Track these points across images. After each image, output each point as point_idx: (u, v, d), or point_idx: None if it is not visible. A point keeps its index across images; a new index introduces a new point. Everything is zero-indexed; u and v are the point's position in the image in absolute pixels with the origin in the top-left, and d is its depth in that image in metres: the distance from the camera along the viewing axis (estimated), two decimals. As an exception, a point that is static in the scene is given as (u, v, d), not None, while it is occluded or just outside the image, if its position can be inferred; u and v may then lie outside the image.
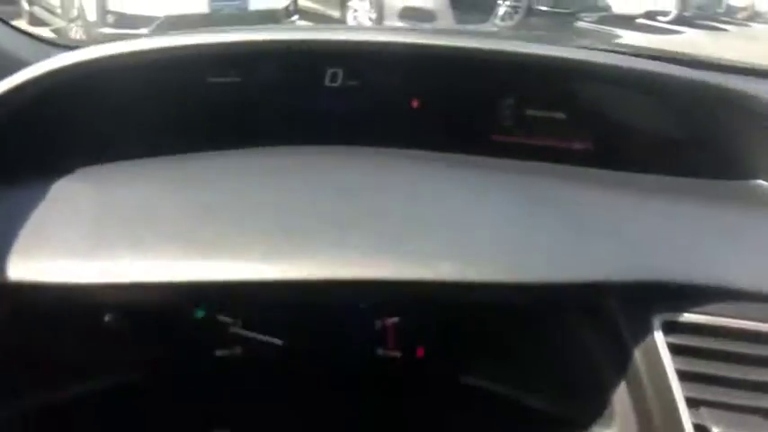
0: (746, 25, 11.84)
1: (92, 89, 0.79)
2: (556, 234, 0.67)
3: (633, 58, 0.88)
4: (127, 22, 4.41)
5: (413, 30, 0.89)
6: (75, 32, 4.71)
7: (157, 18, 4.47)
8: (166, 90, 0.86)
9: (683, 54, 1.13)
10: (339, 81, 0.93)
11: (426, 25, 5.61)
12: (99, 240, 0.62)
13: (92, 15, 4.49)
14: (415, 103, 0.95)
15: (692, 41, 8.17)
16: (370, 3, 5.75)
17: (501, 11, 6.64)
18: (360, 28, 0.95)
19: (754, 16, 12.58)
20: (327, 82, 0.93)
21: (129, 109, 0.83)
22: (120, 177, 0.75)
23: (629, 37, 7.82)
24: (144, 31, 4.40)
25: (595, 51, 0.86)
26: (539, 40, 0.92)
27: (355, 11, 5.91)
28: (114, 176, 0.75)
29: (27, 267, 0.60)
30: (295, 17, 5.20)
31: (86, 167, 0.76)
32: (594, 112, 0.93)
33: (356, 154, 0.84)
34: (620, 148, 0.90)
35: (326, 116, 0.95)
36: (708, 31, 9.85)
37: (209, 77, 0.90)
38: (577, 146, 0.94)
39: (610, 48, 1.18)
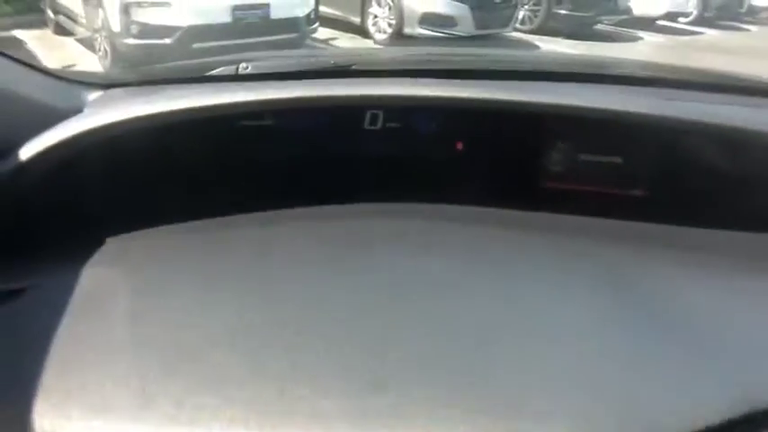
0: (768, 25, 11.65)
1: (113, 152, 0.73)
2: (671, 367, 0.52)
3: (698, 105, 0.80)
4: (150, 32, 4.45)
5: (457, 83, 0.79)
6: (100, 42, 4.77)
7: (180, 28, 4.50)
8: (195, 145, 0.80)
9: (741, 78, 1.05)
10: (379, 124, 0.89)
11: (447, 30, 5.60)
12: (143, 393, 0.47)
13: (116, 26, 4.53)
14: (459, 146, 0.91)
15: (713, 43, 8.06)
16: (390, 9, 5.75)
17: (521, 15, 6.61)
18: (402, 79, 0.86)
19: (777, 15, 12.38)
20: (367, 125, 0.89)
21: (157, 168, 0.78)
22: (158, 271, 0.65)
23: (649, 39, 7.74)
24: (167, 41, 4.45)
25: (656, 101, 0.79)
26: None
27: (375, 17, 5.91)
28: (151, 270, 0.65)
29: (53, 426, 0.46)
30: (316, 25, 5.22)
31: (116, 248, 0.68)
32: (654, 155, 0.86)
33: (402, 224, 0.75)
34: (681, 195, 0.82)
35: (366, 160, 0.91)
36: (729, 32, 9.71)
37: (243, 121, 0.87)
38: (635, 192, 0.87)
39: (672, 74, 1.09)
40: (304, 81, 0.78)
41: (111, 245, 0.68)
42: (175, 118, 0.71)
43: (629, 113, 0.75)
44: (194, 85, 0.82)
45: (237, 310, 0.56)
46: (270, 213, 0.75)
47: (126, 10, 4.43)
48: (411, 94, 0.78)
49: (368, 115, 0.89)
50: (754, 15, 11.64)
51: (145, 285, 0.62)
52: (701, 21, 9.75)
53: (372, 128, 0.89)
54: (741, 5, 11.07)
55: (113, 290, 0.61)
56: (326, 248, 0.68)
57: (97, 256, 0.65)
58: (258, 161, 0.87)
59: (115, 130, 0.69)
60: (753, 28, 10.72)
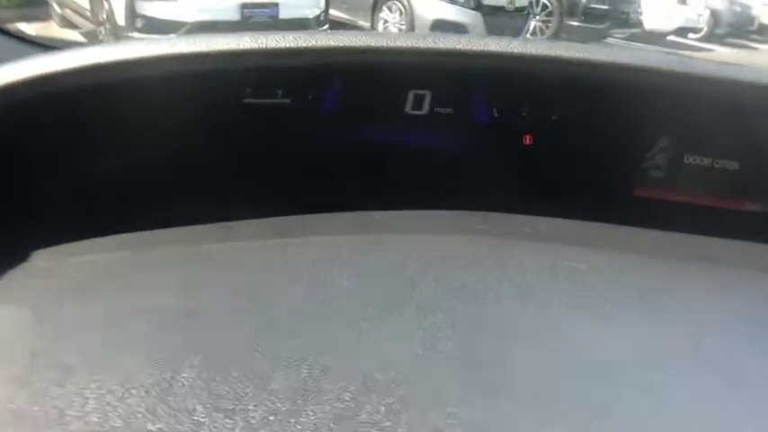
0: (778, 44, 11.68)
1: (79, 108, 0.58)
2: None
3: None
4: (156, 26, 4.41)
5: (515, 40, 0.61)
6: (104, 36, 4.70)
7: (186, 24, 4.45)
8: (184, 115, 0.62)
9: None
10: (425, 107, 0.72)
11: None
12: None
13: (121, 19, 4.48)
14: (528, 140, 0.74)
15: (722, 60, 8.01)
16: (401, 14, 5.69)
17: (532, 25, 6.55)
18: (446, 36, 0.72)
19: (786, 35, 12.43)
20: (410, 108, 0.72)
21: (132, 140, 0.62)
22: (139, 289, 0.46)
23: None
24: (172, 37, 4.38)
25: None
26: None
27: (386, 22, 5.85)
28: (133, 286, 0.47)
29: None
30: (326, 27, 5.16)
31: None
32: None
33: (450, 241, 0.58)
34: None
35: (405, 155, 0.73)
36: (739, 50, 9.70)
37: (246, 98, 0.68)
38: (751, 207, 0.71)
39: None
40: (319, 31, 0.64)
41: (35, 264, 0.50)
42: (156, 67, 0.56)
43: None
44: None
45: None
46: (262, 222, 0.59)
47: (131, 3, 4.41)
48: (477, 48, 0.60)
49: (411, 96, 0.71)
50: (763, 34, 11.65)
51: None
52: (711, 37, 9.73)
53: (417, 112, 0.72)
54: (752, 23, 11.06)
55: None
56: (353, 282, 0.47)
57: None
58: (259, 151, 0.70)
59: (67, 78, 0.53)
60: (762, 47, 10.72)
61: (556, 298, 0.45)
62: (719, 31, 10.02)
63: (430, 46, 0.60)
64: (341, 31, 0.61)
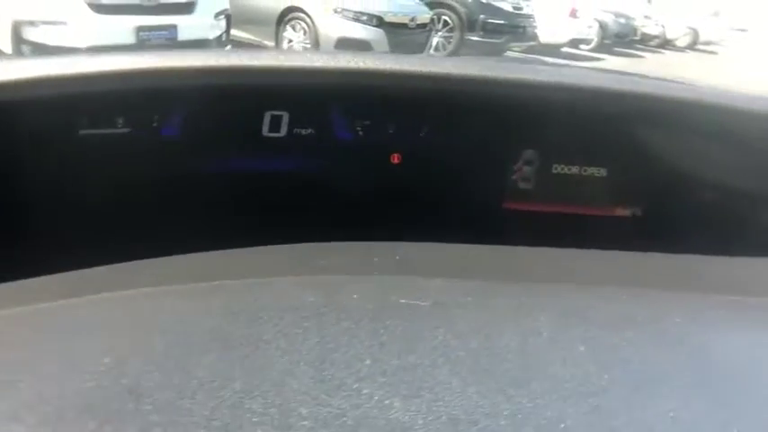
0: (659, 52, 12.67)
1: None
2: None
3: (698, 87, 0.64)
4: (45, 53, 4.15)
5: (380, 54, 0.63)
6: (-13, 64, 4.40)
7: (79, 50, 4.23)
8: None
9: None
10: (283, 129, 0.68)
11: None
12: None
13: (6, 46, 4.20)
14: (395, 159, 0.71)
15: (612, 68, 8.57)
16: (306, 33, 5.69)
17: (435, 41, 6.74)
18: (310, 52, 0.67)
19: (665, 43, 13.51)
20: (267, 131, 0.67)
21: None
22: None
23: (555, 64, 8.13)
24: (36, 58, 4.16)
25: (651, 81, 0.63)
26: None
27: (290, 41, 5.83)
28: None
29: None
30: (228, 47, 5.07)
31: None
32: (649, 163, 0.68)
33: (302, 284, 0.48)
34: (678, 211, 0.67)
35: (263, 180, 0.68)
36: (625, 58, 10.43)
37: (82, 129, 0.61)
38: (621, 212, 0.71)
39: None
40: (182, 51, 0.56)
41: None
42: None
43: (629, 93, 0.57)
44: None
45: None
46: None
47: (17, 29, 4.13)
48: (333, 66, 0.55)
49: (267, 117, 0.66)
50: (646, 43, 12.61)
51: None
52: (600, 48, 10.40)
53: (275, 135, 0.67)
54: (635, 34, 11.96)
55: None
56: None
57: None
58: (103, 184, 0.62)
59: None
60: (646, 54, 11.59)
61: (368, 355, 0.36)
62: (607, 41, 10.76)
63: (284, 65, 0.56)
64: (191, 51, 0.58)
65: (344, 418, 0.31)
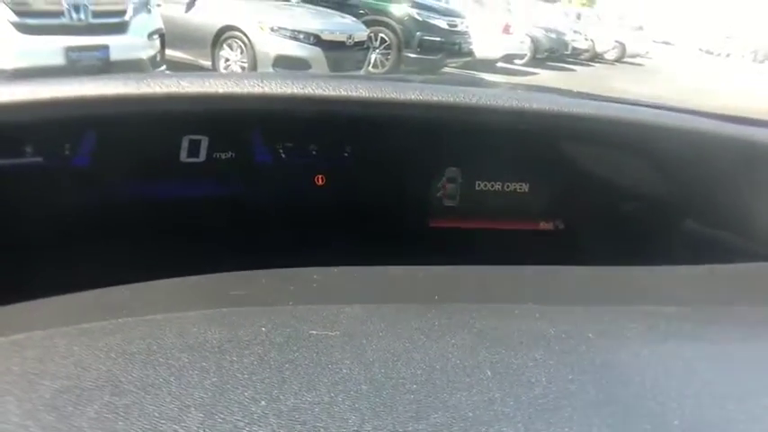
0: (589, 65, 13.23)
1: None
2: None
3: (613, 104, 0.65)
4: (-33, 75, 3.97)
5: (288, 76, 0.57)
6: None
7: (4, 71, 4.07)
8: None
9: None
10: (202, 154, 0.66)
11: (299, 74, 5.61)
12: None
13: (-77, 67, 4.00)
14: (319, 180, 0.71)
15: (544, 82, 8.90)
16: (243, 52, 5.66)
17: (373, 58, 6.83)
18: (231, 74, 0.68)
19: (594, 56, 14.12)
20: (185, 156, 0.65)
21: None
22: None
23: (491, 79, 8.37)
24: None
25: (566, 99, 0.64)
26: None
27: (227, 60, 5.78)
28: None
29: None
30: (163, 68, 4.98)
31: None
32: (569, 177, 0.69)
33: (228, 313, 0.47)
34: (598, 223, 0.68)
35: (183, 207, 0.66)
36: (558, 72, 10.83)
37: None
38: (545, 226, 0.73)
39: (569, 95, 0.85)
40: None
41: None
42: None
43: (546, 112, 0.57)
44: None
45: None
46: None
47: (-64, 50, 3.94)
48: (257, 91, 0.53)
49: (185, 142, 0.65)
50: (576, 57, 13.15)
51: None
52: (534, 62, 10.78)
53: (193, 160, 0.66)
54: (566, 48, 12.45)
55: None
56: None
57: None
58: (15, 217, 0.59)
59: None
60: (576, 68, 12.08)
61: (265, 395, 0.35)
62: (540, 56, 11.15)
63: (199, 91, 0.54)
64: (106, 76, 0.54)
65: None
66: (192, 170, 0.66)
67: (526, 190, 0.73)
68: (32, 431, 0.31)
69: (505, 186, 0.74)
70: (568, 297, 0.58)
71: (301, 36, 5.62)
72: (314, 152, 0.70)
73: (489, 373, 0.39)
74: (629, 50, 16.06)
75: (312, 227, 0.66)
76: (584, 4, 26.02)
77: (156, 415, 0.33)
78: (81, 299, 0.52)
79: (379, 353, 0.41)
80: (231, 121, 0.64)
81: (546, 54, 11.53)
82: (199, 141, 0.65)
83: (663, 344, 0.46)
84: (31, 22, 4.14)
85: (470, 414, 0.35)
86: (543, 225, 0.75)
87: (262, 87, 0.56)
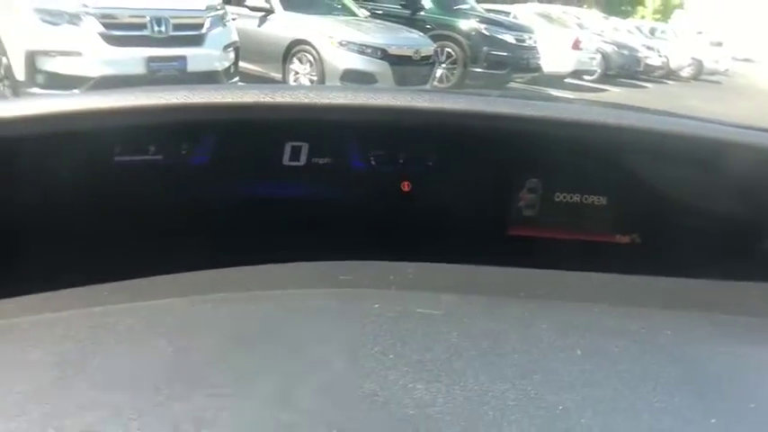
0: (663, 82, 12.75)
1: None
2: None
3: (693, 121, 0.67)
4: (58, 82, 4.24)
5: (396, 90, 0.68)
6: (2, 92, 4.51)
7: (91, 79, 4.33)
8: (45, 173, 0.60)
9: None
10: (303, 158, 0.72)
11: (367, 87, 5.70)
12: None
13: (20, 74, 4.31)
14: (406, 187, 0.75)
15: (614, 99, 8.66)
16: (312, 65, 5.80)
17: (438, 73, 6.85)
18: (328, 87, 0.77)
19: (669, 74, 13.59)
20: (287, 160, 0.72)
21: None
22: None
23: (558, 95, 8.24)
24: (76, 92, 4.26)
25: (646, 114, 0.67)
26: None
27: (296, 73, 5.94)
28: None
29: None
30: (236, 79, 5.17)
31: None
32: (647, 192, 0.71)
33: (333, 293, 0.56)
34: (675, 238, 0.70)
35: (283, 206, 0.73)
36: (629, 89, 10.51)
37: (117, 156, 0.67)
38: (621, 239, 0.75)
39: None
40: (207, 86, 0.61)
41: None
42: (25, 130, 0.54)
43: (627, 127, 0.61)
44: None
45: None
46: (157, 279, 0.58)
47: (31, 58, 4.23)
48: (346, 102, 0.61)
49: (288, 148, 0.71)
50: (649, 74, 12.71)
51: None
52: (604, 79, 10.51)
53: (294, 164, 0.72)
54: (639, 65, 12.06)
55: None
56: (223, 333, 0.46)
57: None
58: (141, 206, 0.67)
59: None
60: (649, 85, 11.69)
61: (393, 354, 0.43)
62: (610, 72, 10.86)
63: (305, 102, 0.61)
64: (216, 86, 0.61)
65: (376, 397, 0.38)
66: (292, 173, 0.73)
67: (604, 203, 0.74)
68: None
69: (584, 199, 0.75)
70: (645, 302, 0.61)
71: (369, 50, 5.72)
72: (401, 161, 0.75)
73: (579, 352, 0.45)
74: (706, 68, 15.38)
75: (398, 228, 0.71)
76: (658, 19, 25.24)
77: (308, 358, 0.42)
78: (209, 276, 0.60)
79: (482, 329, 0.48)
80: (330, 130, 0.70)
81: (617, 70, 11.23)
82: (300, 147, 0.72)
83: (735, 343, 0.51)
84: (117, 34, 4.40)
85: (565, 378, 0.41)
86: (620, 238, 0.75)
87: (359, 99, 0.63)
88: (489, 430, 0.36)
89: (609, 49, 11.03)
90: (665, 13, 29.39)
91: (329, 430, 0.36)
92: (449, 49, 7.37)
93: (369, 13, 7.08)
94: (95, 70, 4.34)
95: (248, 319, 0.49)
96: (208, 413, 0.36)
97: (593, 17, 12.10)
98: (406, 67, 5.90)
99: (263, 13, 6.09)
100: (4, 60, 4.41)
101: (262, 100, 0.60)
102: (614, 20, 13.02)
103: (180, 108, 0.58)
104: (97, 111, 0.56)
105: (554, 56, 8.69)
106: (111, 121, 0.58)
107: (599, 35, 10.95)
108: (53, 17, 4.26)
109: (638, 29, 14.89)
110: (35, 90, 4.29)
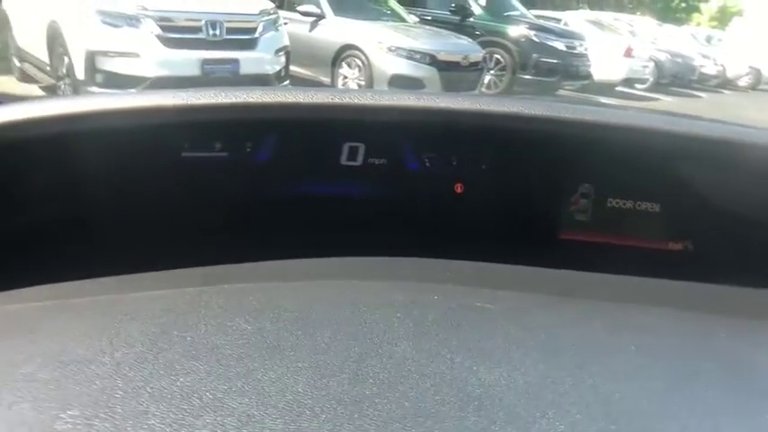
0: (719, 92, 12.33)
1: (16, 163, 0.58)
2: None
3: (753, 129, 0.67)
4: (116, 81, 4.40)
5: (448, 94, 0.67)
6: (63, 90, 4.69)
7: (147, 79, 4.46)
8: (122, 165, 0.64)
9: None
10: (359, 158, 0.74)
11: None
12: None
13: (81, 74, 4.47)
14: (459, 189, 0.77)
15: (667, 108, 8.43)
16: (360, 70, 5.84)
17: (487, 79, 6.80)
18: (382, 91, 0.78)
19: (725, 83, 13.13)
20: (345, 160, 0.74)
21: (69, 194, 0.63)
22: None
23: (609, 103, 8.05)
24: (132, 92, 4.39)
25: (702, 122, 0.67)
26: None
27: (345, 77, 5.99)
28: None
29: None
30: (286, 83, 5.25)
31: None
32: (700, 200, 0.70)
33: (390, 285, 0.58)
34: (731, 248, 0.69)
35: (342, 203, 0.75)
36: (682, 98, 10.21)
37: (184, 151, 0.70)
38: (674, 246, 0.74)
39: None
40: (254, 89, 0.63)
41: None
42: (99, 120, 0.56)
43: (681, 134, 0.61)
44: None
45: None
46: (218, 269, 0.60)
47: (92, 58, 4.39)
48: (400, 104, 0.63)
49: (345, 148, 0.74)
50: (704, 83, 12.31)
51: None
52: (656, 87, 10.24)
53: (352, 163, 0.74)
54: (693, 73, 11.70)
55: None
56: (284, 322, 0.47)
57: None
58: (198, 204, 0.70)
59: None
60: (703, 95, 11.32)
61: (456, 340, 0.46)
62: (664, 81, 10.57)
63: (363, 102, 0.63)
64: (279, 87, 0.66)
65: (443, 376, 0.41)
66: (350, 172, 0.75)
67: (657, 210, 0.74)
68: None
69: (637, 205, 0.75)
70: (697, 306, 0.62)
71: (417, 56, 5.72)
72: (455, 163, 0.76)
73: (633, 347, 0.46)
74: (764, 77, 14.81)
75: (450, 228, 0.72)
76: (715, 27, 24.45)
77: (374, 343, 0.44)
78: (281, 265, 0.63)
79: (537, 324, 0.50)
80: (386, 131, 0.71)
81: (670, 79, 10.92)
82: (357, 148, 0.74)
83: None
84: (173, 36, 4.52)
85: (621, 370, 0.43)
86: (672, 245, 0.74)
87: (415, 101, 0.64)
88: (550, 409, 0.38)
89: (662, 56, 10.73)
90: (722, 20, 28.43)
91: (402, 403, 0.38)
92: (497, 56, 7.30)
93: (418, 19, 7.08)
94: (152, 71, 4.47)
95: (319, 303, 0.51)
96: (288, 381, 0.39)
97: (646, 24, 11.79)
98: (454, 73, 5.88)
99: (315, 18, 6.16)
100: (66, 60, 4.59)
101: (324, 100, 0.63)
102: (669, 27, 12.64)
103: (247, 106, 0.61)
104: (168, 107, 0.59)
105: (605, 63, 8.52)
106: (182, 116, 0.61)
107: (652, 43, 10.66)
108: (113, 19, 4.41)
109: (694, 36, 14.43)
110: (94, 89, 4.44)
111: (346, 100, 0.64)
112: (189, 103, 0.59)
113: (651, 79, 10.25)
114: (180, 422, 0.36)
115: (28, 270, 0.56)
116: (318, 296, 0.54)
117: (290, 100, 0.63)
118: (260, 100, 0.62)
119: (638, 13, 13.96)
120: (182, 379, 0.39)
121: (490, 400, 0.39)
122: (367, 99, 0.64)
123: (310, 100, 0.62)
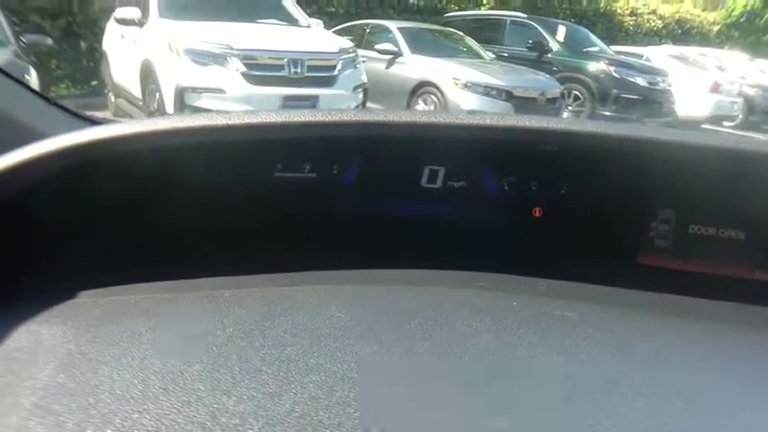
0: (816, 131, 11.57)
1: (117, 174, 0.61)
2: None
3: None
4: (203, 117, 4.59)
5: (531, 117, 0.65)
6: (154, 124, 4.96)
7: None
8: (213, 184, 0.67)
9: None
10: (439, 181, 0.76)
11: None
12: None
13: (170, 108, 4.72)
14: (537, 213, 0.77)
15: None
16: (436, 105, 5.87)
17: (564, 115, 6.68)
18: (464, 112, 0.91)
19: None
20: (425, 182, 0.76)
21: (162, 208, 0.67)
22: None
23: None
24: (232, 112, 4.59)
25: None
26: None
27: (420, 112, 6.03)
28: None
29: None
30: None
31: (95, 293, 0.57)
32: None
33: (471, 295, 0.60)
34: None
35: (420, 225, 0.77)
36: (775, 137, 9.63)
37: (276, 172, 0.73)
38: (760, 276, 0.70)
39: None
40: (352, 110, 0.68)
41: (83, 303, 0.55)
42: (191, 138, 0.60)
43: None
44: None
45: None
46: (303, 275, 0.64)
47: (181, 94, 4.64)
48: (482, 123, 0.64)
49: (426, 171, 0.76)
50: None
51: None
52: (746, 125, 9.70)
53: (431, 186, 0.76)
54: (787, 111, 11.03)
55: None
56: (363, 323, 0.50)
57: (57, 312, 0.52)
58: (290, 224, 0.73)
59: (114, 145, 0.57)
60: (800, 133, 10.63)
61: (536, 336, 0.50)
62: (754, 118, 10.01)
63: (443, 121, 0.65)
64: (364, 110, 0.69)
65: (524, 363, 0.45)
66: (429, 194, 0.77)
67: (742, 237, 0.71)
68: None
69: (720, 232, 0.72)
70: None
71: (494, 92, 5.70)
72: (533, 188, 0.77)
73: (705, 351, 0.51)
74: None
75: (528, 252, 0.73)
76: (810, 61, 23.05)
77: (457, 335, 0.49)
78: (364, 273, 0.66)
79: (612, 328, 0.54)
80: (466, 155, 0.73)
81: (762, 116, 10.33)
82: (437, 171, 0.76)
83: None
84: (257, 74, 4.73)
85: (696, 367, 0.47)
86: (758, 275, 0.70)
87: (503, 120, 0.65)
88: (625, 393, 0.41)
89: (753, 92, 10.19)
90: (817, 54, 26.85)
91: (488, 385, 0.42)
92: (576, 92, 7.17)
93: (494, 56, 7.08)
94: (236, 107, 4.66)
95: (404, 301, 0.56)
96: (382, 355, 0.45)
97: (735, 59, 11.27)
98: (530, 109, 5.80)
99: (392, 56, 6.27)
100: (158, 95, 4.86)
101: (412, 119, 0.66)
102: (760, 62, 12.02)
103: (341, 124, 0.64)
104: (268, 124, 0.62)
105: (690, 99, 8.19)
106: (280, 133, 0.63)
107: (742, 78, 10.16)
108: (202, 58, 4.66)
109: (787, 71, 13.67)
110: (182, 124, 4.66)
111: (432, 119, 0.66)
112: (289, 120, 0.62)
113: (740, 116, 9.73)
114: (290, 379, 0.41)
115: (142, 269, 0.61)
116: (403, 296, 0.58)
117: (378, 118, 0.66)
118: (352, 118, 0.66)
119: (727, 48, 13.37)
120: (288, 349, 0.45)
121: (572, 389, 0.42)
122: (450, 119, 0.65)
123: (398, 119, 0.65)
